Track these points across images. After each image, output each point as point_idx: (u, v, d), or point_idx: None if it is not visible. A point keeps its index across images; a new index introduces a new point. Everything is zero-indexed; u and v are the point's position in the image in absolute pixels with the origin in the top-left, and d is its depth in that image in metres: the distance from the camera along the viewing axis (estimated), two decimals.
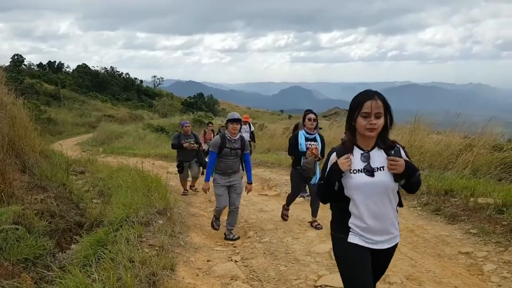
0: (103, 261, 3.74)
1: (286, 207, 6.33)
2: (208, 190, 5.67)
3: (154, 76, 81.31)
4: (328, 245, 4.98)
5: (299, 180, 5.97)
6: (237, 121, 5.45)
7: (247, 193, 5.88)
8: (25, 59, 59.71)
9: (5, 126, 5.79)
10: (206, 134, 11.22)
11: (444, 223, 5.74)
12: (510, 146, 8.21)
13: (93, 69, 66.64)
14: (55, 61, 68.65)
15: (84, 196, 6.85)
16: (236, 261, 4.63)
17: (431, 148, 8.83)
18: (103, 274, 3.41)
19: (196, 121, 39.86)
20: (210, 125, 11.78)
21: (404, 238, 5.20)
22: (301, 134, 5.82)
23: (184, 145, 8.43)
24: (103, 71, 67.99)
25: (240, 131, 12.62)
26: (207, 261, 4.60)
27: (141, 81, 76.30)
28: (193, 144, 8.45)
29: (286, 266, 4.41)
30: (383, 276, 4.03)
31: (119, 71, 71.38)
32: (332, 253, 4.65)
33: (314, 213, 5.96)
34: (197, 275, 4.16)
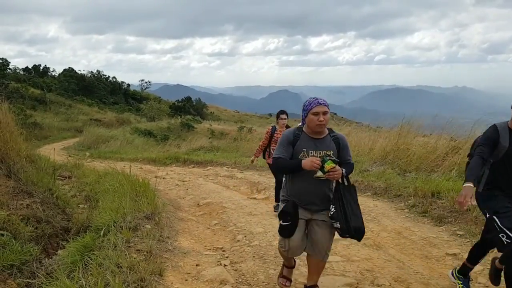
0: (90, 267, 3.70)
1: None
2: None
3: (141, 80, 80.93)
4: None
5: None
6: None
7: None
8: (10, 63, 58.98)
9: None
10: (276, 133, 6.83)
11: (431, 225, 5.79)
12: None
13: (79, 73, 66.07)
14: (40, 65, 67.93)
15: (71, 201, 6.78)
16: (225, 265, 4.61)
17: (418, 151, 8.93)
18: (91, 280, 3.38)
19: (184, 125, 39.78)
20: (284, 117, 6.87)
21: (392, 240, 5.24)
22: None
23: (305, 163, 3.16)
24: (89, 75, 67.44)
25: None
26: (196, 265, 4.57)
27: (128, 84, 75.85)
28: (331, 161, 3.13)
29: (275, 270, 4.41)
30: (371, 279, 4.07)
31: (105, 75, 70.91)
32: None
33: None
34: (186, 280, 4.13)
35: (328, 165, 3.09)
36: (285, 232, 3.41)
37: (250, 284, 4.13)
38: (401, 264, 4.45)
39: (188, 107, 62.12)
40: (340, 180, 3.29)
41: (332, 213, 3.27)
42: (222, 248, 5.31)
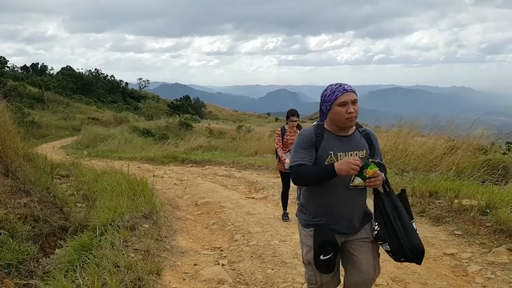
0: (88, 266, 3.69)
1: None
2: None
3: (139, 79, 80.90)
4: None
5: None
6: None
7: None
8: (8, 61, 58.91)
9: None
10: (286, 134, 6.37)
11: (429, 225, 5.79)
12: (493, 148, 8.37)
13: (77, 71, 66.03)
14: (38, 63, 67.89)
15: (68, 200, 6.76)
16: (223, 264, 4.61)
17: (416, 151, 8.94)
18: (88, 280, 3.37)
19: (182, 124, 39.75)
20: (295, 119, 6.35)
21: None
22: None
23: (341, 168, 2.40)
24: (87, 73, 67.39)
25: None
26: (194, 265, 4.57)
27: (127, 83, 75.85)
28: (374, 164, 2.41)
29: (273, 269, 4.41)
30: None
31: (104, 73, 70.90)
32: None
33: None
34: (184, 280, 4.13)
35: (371, 170, 2.39)
36: (327, 267, 2.63)
37: (247, 284, 4.13)
38: (398, 264, 4.45)
39: (187, 106, 62.20)
40: (380, 188, 2.60)
41: (376, 232, 2.57)
42: (220, 247, 5.31)
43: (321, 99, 2.62)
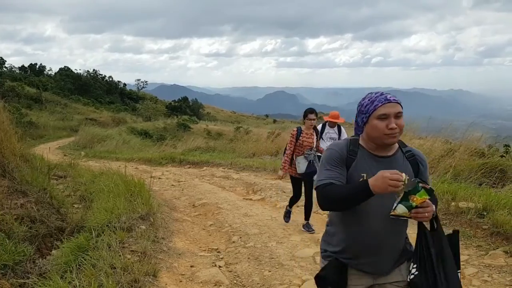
0: (84, 268, 3.68)
1: None
2: None
3: (138, 80, 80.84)
4: (312, 250, 5.00)
5: None
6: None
7: None
8: (6, 61, 58.79)
9: None
10: (302, 135, 5.87)
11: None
12: (491, 151, 8.39)
13: (75, 72, 65.95)
14: (36, 64, 67.77)
15: (65, 201, 6.74)
16: (220, 266, 4.61)
17: None
18: (84, 281, 3.37)
19: (180, 125, 39.73)
20: (313, 117, 5.87)
21: None
22: None
23: (376, 184, 1.82)
24: (85, 74, 67.32)
25: (321, 137, 6.81)
26: (191, 266, 4.56)
27: (125, 84, 75.79)
28: (424, 190, 1.86)
29: (270, 271, 4.41)
30: None
31: (102, 74, 70.83)
32: (316, 258, 4.63)
33: None
34: (180, 281, 4.12)
35: (420, 197, 1.85)
36: None
37: (244, 286, 4.13)
38: None
39: (185, 107, 62.21)
40: (427, 224, 2.13)
41: (413, 276, 2.03)
42: (217, 249, 5.31)
43: (357, 109, 2.14)
